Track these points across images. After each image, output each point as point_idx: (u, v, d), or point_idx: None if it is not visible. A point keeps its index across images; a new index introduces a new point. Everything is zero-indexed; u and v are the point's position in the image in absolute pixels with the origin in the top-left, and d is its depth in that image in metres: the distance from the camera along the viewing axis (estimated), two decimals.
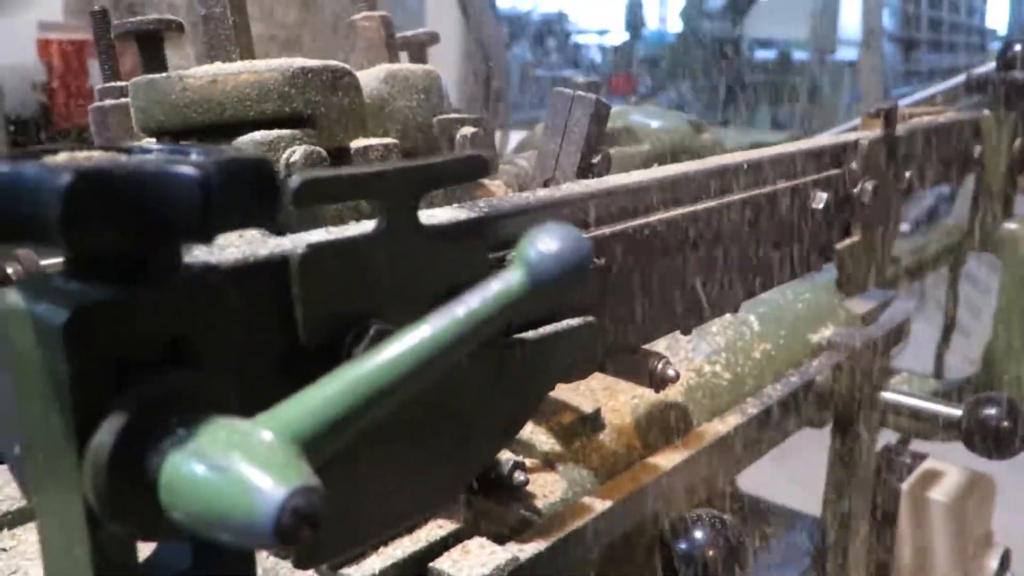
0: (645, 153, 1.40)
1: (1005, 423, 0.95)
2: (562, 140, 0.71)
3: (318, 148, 0.67)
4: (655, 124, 1.43)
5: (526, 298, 0.35)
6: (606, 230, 0.62)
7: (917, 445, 1.25)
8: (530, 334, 0.53)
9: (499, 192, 0.86)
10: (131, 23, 0.69)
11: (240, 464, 0.30)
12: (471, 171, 0.46)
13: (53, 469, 0.34)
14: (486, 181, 0.86)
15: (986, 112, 1.28)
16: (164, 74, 0.67)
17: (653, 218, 0.66)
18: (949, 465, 1.26)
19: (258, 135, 0.66)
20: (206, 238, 0.34)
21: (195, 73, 0.67)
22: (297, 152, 0.66)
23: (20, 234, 0.31)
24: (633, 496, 0.68)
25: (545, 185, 0.72)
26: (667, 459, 0.73)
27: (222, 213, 0.33)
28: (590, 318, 0.57)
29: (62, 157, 0.35)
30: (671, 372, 0.66)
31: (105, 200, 0.31)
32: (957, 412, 0.98)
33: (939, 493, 1.38)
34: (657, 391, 0.68)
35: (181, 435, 0.32)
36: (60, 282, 0.34)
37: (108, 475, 0.33)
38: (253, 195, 0.34)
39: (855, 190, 0.94)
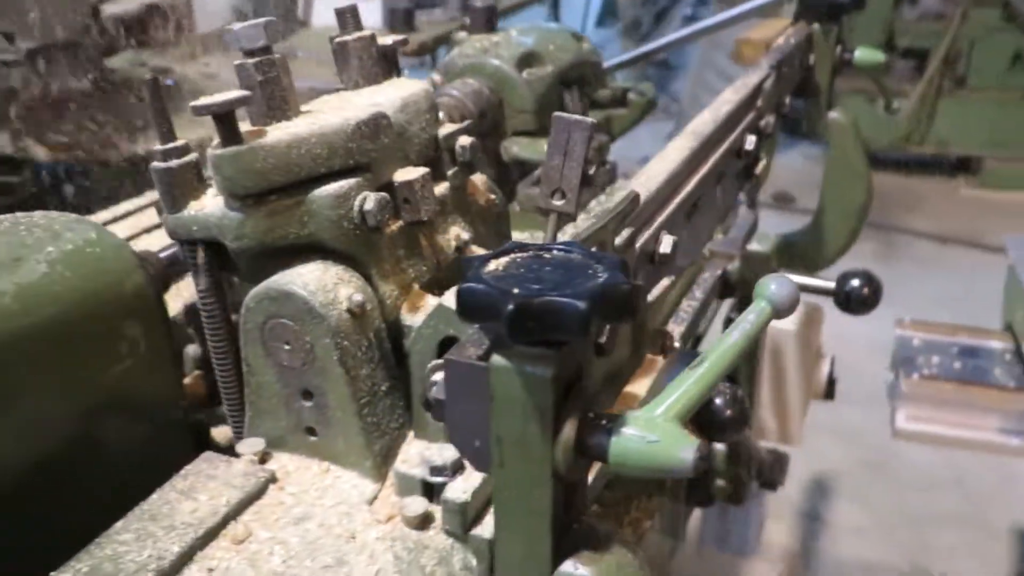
0: (551, 74, 1.61)
1: (866, 290, 1.32)
2: (564, 158, 0.84)
3: (384, 194, 0.82)
4: (552, 47, 1.64)
5: (768, 320, 0.61)
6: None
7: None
8: None
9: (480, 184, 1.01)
10: (211, 105, 0.76)
11: (663, 436, 0.56)
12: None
13: (525, 453, 0.58)
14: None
15: (816, 26, 1.60)
16: (245, 146, 0.77)
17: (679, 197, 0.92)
18: None
19: (332, 188, 0.80)
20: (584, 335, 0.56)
21: (267, 142, 0.77)
22: (370, 200, 0.81)
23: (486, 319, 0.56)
24: None
25: (552, 195, 0.89)
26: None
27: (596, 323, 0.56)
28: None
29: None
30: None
31: (533, 317, 0.55)
32: (831, 284, 1.35)
33: (787, 324, 1.78)
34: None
35: (613, 425, 0.57)
36: (522, 350, 0.57)
37: (572, 453, 0.57)
38: (617, 312, 0.57)
39: (762, 123, 1.23)
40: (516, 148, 1.46)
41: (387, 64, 0.97)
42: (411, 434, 0.86)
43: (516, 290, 0.56)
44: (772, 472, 1.40)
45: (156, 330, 0.86)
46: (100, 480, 0.83)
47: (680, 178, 0.95)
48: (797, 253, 1.72)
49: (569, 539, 0.65)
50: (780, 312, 0.63)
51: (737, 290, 1.31)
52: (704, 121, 1.08)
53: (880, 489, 3.16)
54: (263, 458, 0.85)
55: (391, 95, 0.90)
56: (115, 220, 1.46)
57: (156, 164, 0.81)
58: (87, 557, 0.72)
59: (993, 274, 2.72)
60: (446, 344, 0.80)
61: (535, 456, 0.60)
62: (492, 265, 0.61)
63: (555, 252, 0.63)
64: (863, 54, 1.65)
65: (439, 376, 0.76)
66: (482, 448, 0.63)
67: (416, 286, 0.89)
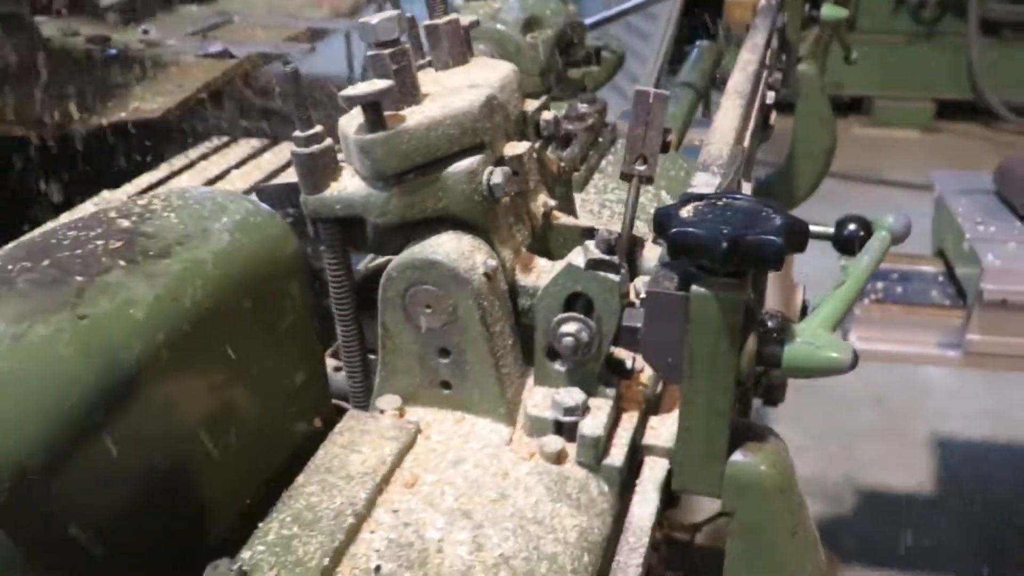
0: (551, 37, 1.71)
1: (861, 233, 1.47)
2: (646, 127, 0.95)
3: (507, 168, 0.91)
4: (548, 11, 1.72)
5: (888, 247, 0.75)
6: None
7: None
8: None
9: None
10: (361, 96, 0.82)
11: (824, 342, 0.70)
12: None
13: (715, 364, 0.72)
14: None
15: None
16: (392, 131, 0.85)
17: None
18: None
19: (464, 165, 0.88)
20: (780, 266, 0.68)
21: (409, 125, 0.85)
22: (497, 174, 0.90)
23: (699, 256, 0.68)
24: None
25: (635, 161, 1.00)
26: None
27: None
28: None
29: None
30: None
31: (741, 252, 0.66)
32: (830, 230, 1.50)
33: None
34: None
35: (784, 337, 0.70)
36: (718, 280, 0.70)
37: (754, 359, 0.70)
38: (799, 245, 0.69)
39: (771, 79, 1.36)
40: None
41: (467, 45, 1.05)
42: (530, 381, 0.96)
43: (725, 231, 0.67)
44: (776, 390, 1.56)
45: (307, 288, 0.94)
46: (269, 423, 0.93)
47: (742, 133, 1.07)
48: (772, 194, 1.87)
49: (736, 435, 0.78)
50: (897, 239, 0.77)
51: None
52: (740, 81, 1.20)
53: (814, 411, 3.42)
54: (400, 413, 0.94)
55: (488, 76, 0.98)
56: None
57: (298, 150, 0.88)
58: (285, 508, 0.80)
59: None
60: (571, 300, 0.90)
61: (723, 367, 0.72)
62: (683, 213, 0.72)
63: (723, 200, 0.74)
64: (829, 11, 1.80)
65: (569, 327, 0.87)
66: (674, 364, 0.74)
67: (523, 249, 0.98)
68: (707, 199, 0.75)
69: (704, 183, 0.94)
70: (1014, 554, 2.90)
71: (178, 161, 1.70)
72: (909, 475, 3.28)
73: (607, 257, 0.88)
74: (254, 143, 1.78)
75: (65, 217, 1.48)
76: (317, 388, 1.00)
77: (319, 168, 0.88)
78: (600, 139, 1.55)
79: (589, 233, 1.08)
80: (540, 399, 0.93)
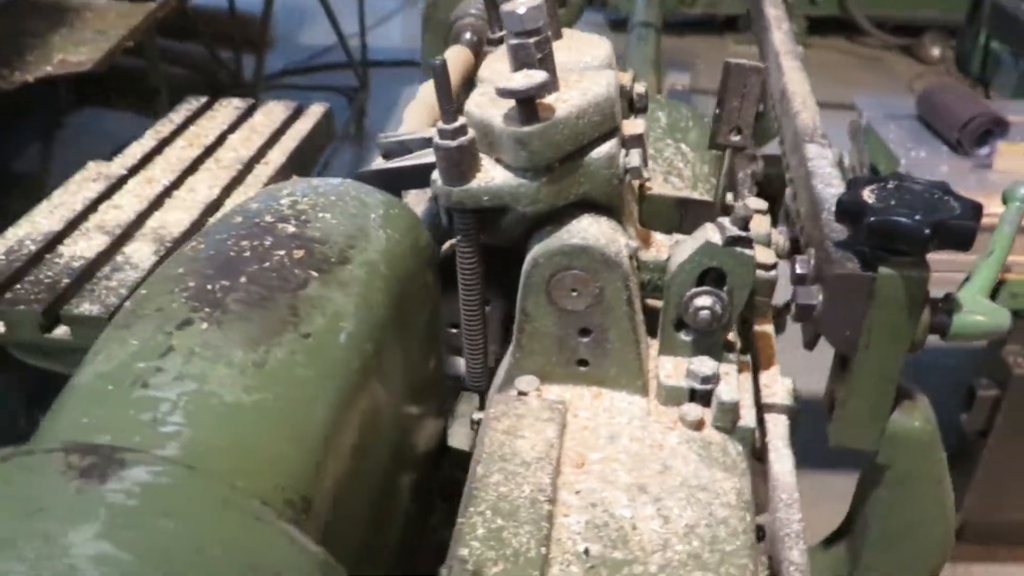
0: (576, 6, 1.71)
1: None
2: (742, 100, 1.01)
3: (640, 149, 0.93)
4: None
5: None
6: None
7: None
8: None
9: None
10: (519, 90, 0.82)
11: (985, 309, 0.78)
12: None
13: (893, 335, 0.80)
14: None
15: None
16: (549, 122, 0.85)
17: None
18: None
19: (605, 150, 0.90)
20: (968, 248, 0.75)
21: (561, 116, 0.85)
22: (634, 156, 0.92)
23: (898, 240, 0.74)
24: None
25: (730, 133, 1.05)
26: None
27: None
28: None
29: None
30: None
31: (940, 236, 0.73)
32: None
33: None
34: None
35: (950, 307, 0.78)
36: (903, 260, 0.75)
37: (927, 329, 0.77)
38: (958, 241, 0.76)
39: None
40: None
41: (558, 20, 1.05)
42: (653, 352, 1.00)
43: (919, 217, 0.73)
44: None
45: (437, 275, 0.95)
46: (419, 411, 0.94)
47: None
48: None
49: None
50: None
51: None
52: (783, 40, 1.25)
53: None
54: (539, 392, 0.97)
55: (596, 53, 0.99)
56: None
57: (443, 143, 0.87)
58: (479, 501, 0.82)
59: None
60: (703, 276, 0.94)
61: (900, 336, 0.80)
62: (868, 199, 0.77)
63: (892, 184, 0.79)
64: None
65: (703, 300, 0.91)
66: (852, 336, 0.80)
67: (638, 224, 1.01)
68: (877, 183, 0.80)
69: (818, 155, 0.99)
70: None
71: (164, 127, 1.60)
72: None
73: (743, 233, 0.92)
74: (236, 103, 1.70)
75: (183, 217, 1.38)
76: (440, 372, 1.02)
77: (465, 160, 0.88)
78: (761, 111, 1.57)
79: (682, 203, 1.12)
80: (671, 369, 0.98)
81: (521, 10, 0.85)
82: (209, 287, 0.72)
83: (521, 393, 0.96)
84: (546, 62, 0.88)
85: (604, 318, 0.94)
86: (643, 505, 0.85)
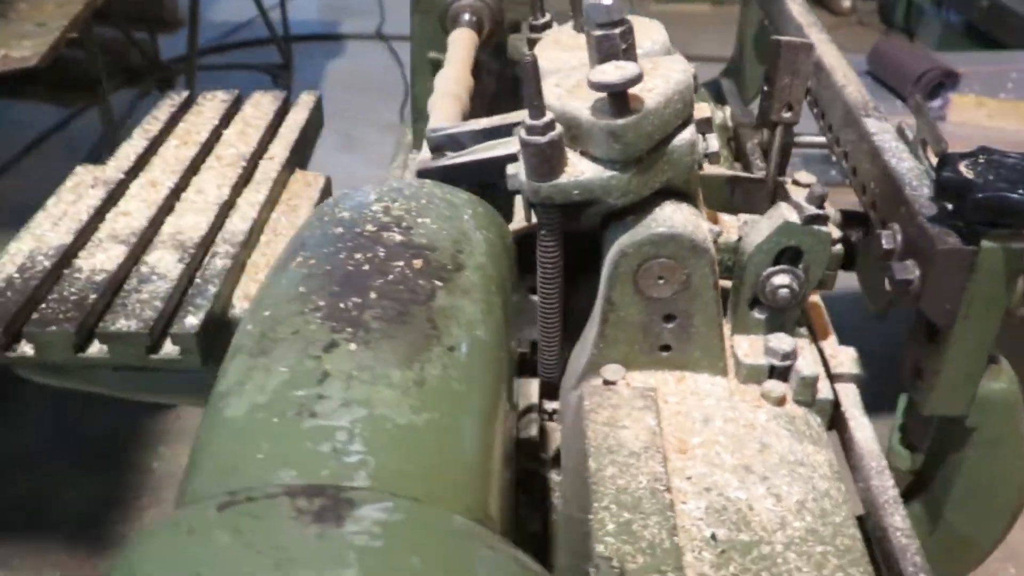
0: None
1: None
2: (792, 77, 1.04)
3: (715, 134, 0.93)
4: None
5: None
6: None
7: None
8: None
9: None
10: (613, 84, 0.82)
11: None
12: None
13: (990, 304, 0.84)
14: None
15: None
16: (641, 113, 0.84)
17: None
18: None
19: (687, 136, 0.90)
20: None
21: (650, 106, 0.85)
22: (712, 141, 0.93)
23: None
24: None
25: (781, 110, 1.07)
26: None
27: None
28: None
29: None
30: None
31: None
32: None
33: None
34: None
35: None
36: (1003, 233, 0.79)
37: (1022, 299, 0.81)
38: None
39: None
40: None
41: None
42: (726, 331, 1.02)
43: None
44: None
45: (514, 270, 0.94)
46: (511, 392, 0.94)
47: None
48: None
49: None
50: None
51: None
52: (804, 12, 1.26)
53: None
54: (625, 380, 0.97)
55: (655, 37, 0.99)
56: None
57: (531, 139, 0.86)
58: (601, 496, 0.83)
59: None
60: (780, 255, 0.96)
61: (997, 304, 0.83)
62: (966, 173, 0.80)
63: (984, 158, 0.82)
64: None
65: (782, 279, 0.93)
66: (952, 309, 0.83)
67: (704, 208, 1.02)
68: (970, 157, 0.83)
69: (880, 129, 1.01)
70: None
71: (151, 125, 1.54)
72: None
73: (821, 211, 0.94)
74: (222, 96, 1.64)
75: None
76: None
77: (554, 156, 0.87)
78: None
79: (733, 181, 1.13)
80: (748, 348, 0.99)
81: (608, 1, 0.84)
82: (341, 305, 0.70)
83: (607, 382, 0.96)
84: (629, 52, 0.87)
85: (690, 304, 0.94)
86: (753, 485, 0.87)
